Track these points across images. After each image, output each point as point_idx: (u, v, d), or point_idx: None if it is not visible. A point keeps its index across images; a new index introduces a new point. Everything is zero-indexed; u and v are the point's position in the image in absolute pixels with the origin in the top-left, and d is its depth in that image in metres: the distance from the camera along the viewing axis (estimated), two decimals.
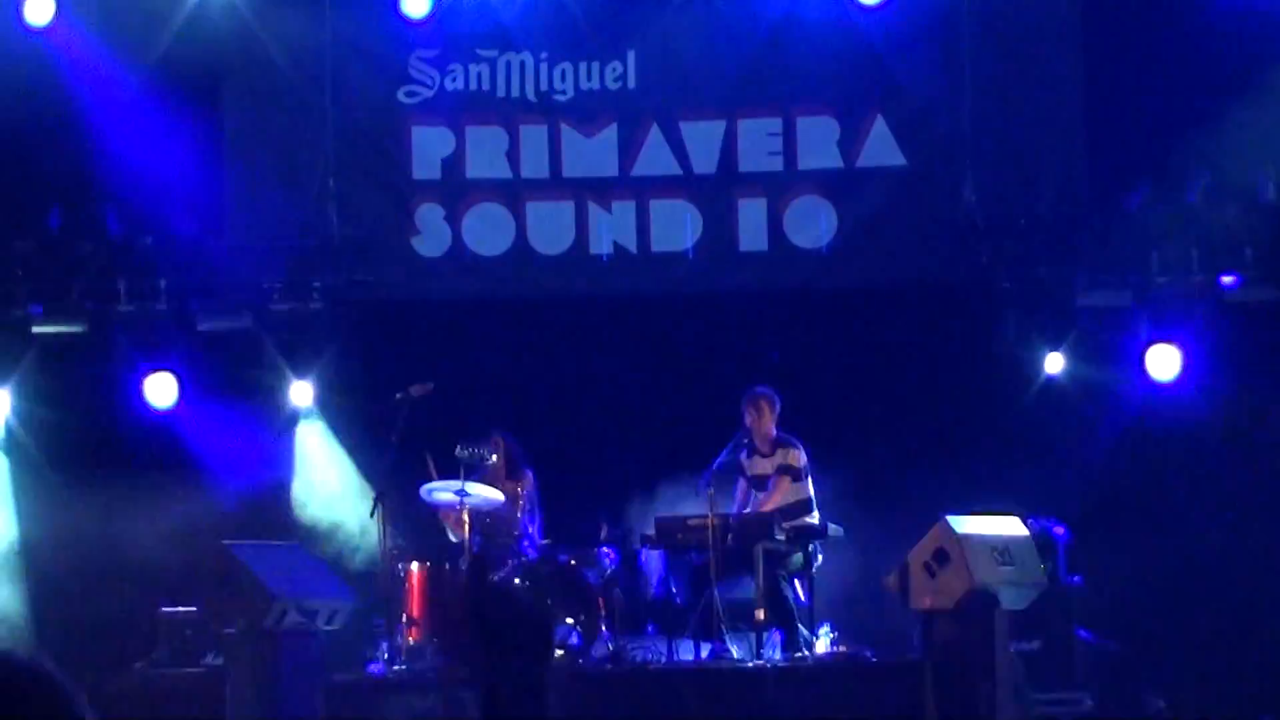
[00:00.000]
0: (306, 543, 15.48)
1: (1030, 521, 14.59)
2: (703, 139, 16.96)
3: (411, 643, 14.54)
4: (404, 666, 14.32)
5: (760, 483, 15.09)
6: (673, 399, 16.64)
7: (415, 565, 14.75)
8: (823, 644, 14.41)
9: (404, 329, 16.94)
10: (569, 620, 14.42)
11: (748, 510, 14.98)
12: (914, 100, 16.82)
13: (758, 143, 16.94)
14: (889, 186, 16.85)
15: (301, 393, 16.78)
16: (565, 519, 15.46)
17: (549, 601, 14.45)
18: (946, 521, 13.60)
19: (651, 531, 14.71)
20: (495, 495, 14.92)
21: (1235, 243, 16.36)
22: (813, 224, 16.91)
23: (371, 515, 14.61)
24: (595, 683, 13.91)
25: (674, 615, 14.60)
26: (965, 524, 13.58)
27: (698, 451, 15.05)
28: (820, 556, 14.81)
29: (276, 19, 16.66)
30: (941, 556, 13.47)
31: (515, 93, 16.98)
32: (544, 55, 16.98)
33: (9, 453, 16.87)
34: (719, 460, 14.67)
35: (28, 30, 16.39)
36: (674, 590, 14.68)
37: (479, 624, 7.57)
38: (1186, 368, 16.36)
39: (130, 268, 16.75)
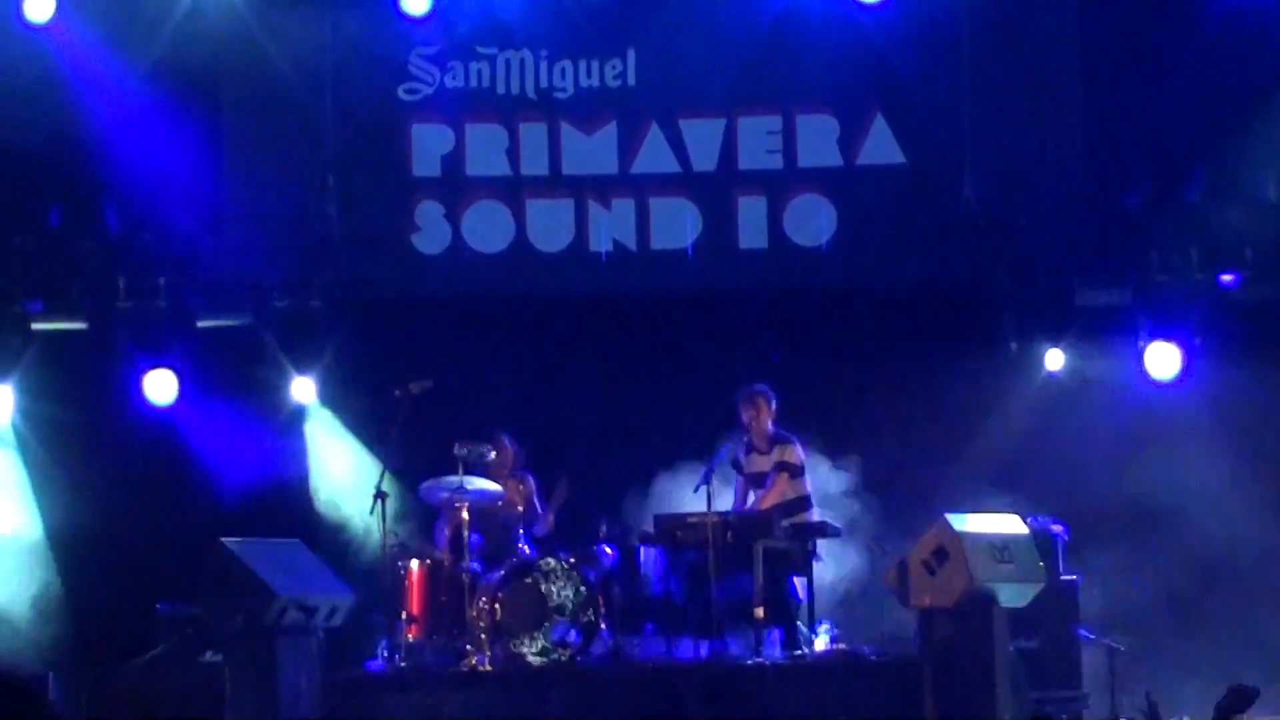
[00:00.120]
0: (326, 534, 15.41)
1: (1029, 519, 14.60)
2: (703, 137, 16.96)
3: (411, 640, 14.54)
4: (403, 664, 14.32)
5: (758, 480, 15.10)
6: (672, 397, 16.64)
7: (415, 563, 14.76)
8: (822, 642, 14.41)
9: (403, 326, 16.93)
10: (568, 618, 14.42)
11: (746, 508, 14.99)
12: (914, 99, 16.82)
13: (758, 141, 16.95)
14: (889, 185, 16.85)
15: (303, 389, 16.78)
16: (564, 517, 15.46)
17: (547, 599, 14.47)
18: (946, 519, 13.60)
19: (650, 529, 14.72)
20: (494, 489, 14.94)
21: (1235, 241, 16.36)
22: (812, 222, 16.91)
23: (371, 512, 14.61)
24: (594, 680, 13.92)
25: (673, 613, 14.60)
26: (965, 522, 13.58)
27: (696, 449, 15.07)
28: (819, 554, 14.80)
29: (276, 16, 16.66)
30: (941, 554, 13.47)
31: (515, 90, 16.98)
32: (544, 53, 16.98)
33: (20, 449, 16.86)
34: (718, 458, 14.69)
35: (28, 27, 16.39)
36: (673, 588, 14.68)
37: None
38: (1186, 366, 16.36)
39: (130, 265, 16.74)
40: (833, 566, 15.11)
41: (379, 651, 14.41)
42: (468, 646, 14.36)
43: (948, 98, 16.73)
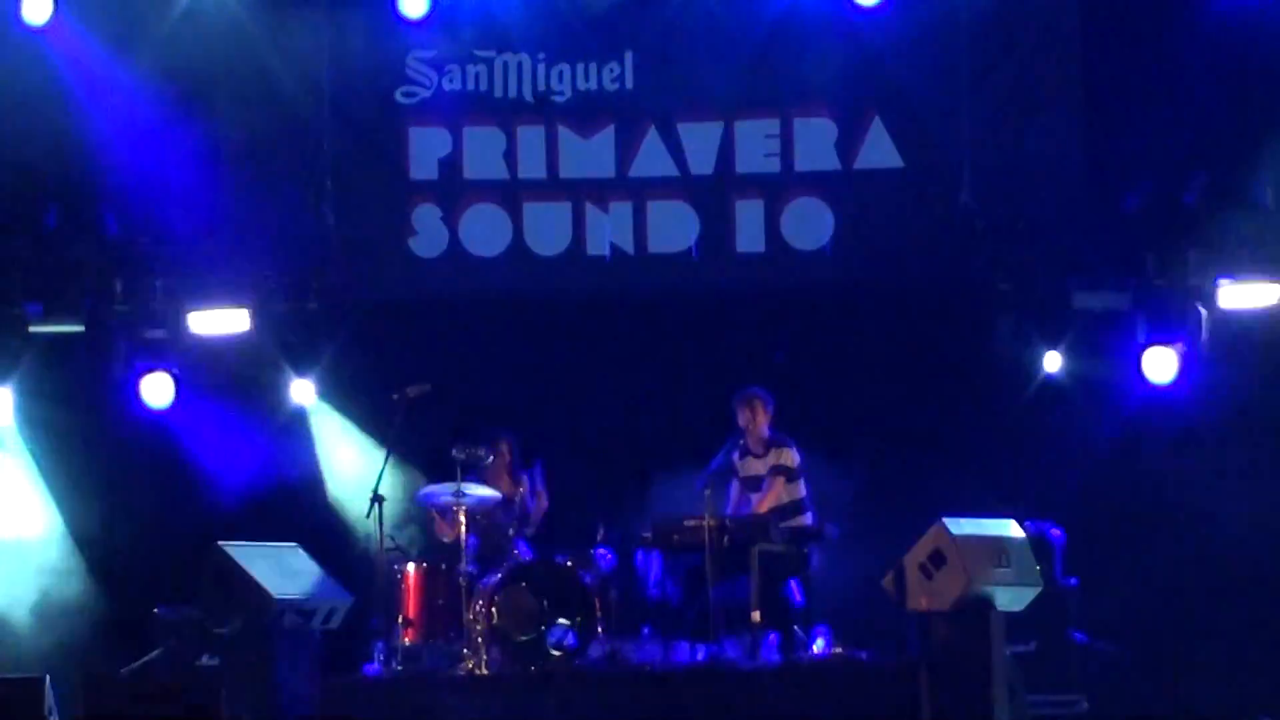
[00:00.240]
0: (323, 537, 15.38)
1: (1027, 524, 14.61)
2: (700, 140, 16.97)
3: (408, 643, 14.54)
4: (400, 667, 14.32)
5: (753, 483, 15.11)
6: (669, 400, 16.65)
7: (411, 566, 14.76)
8: (819, 645, 14.41)
9: (401, 330, 16.94)
10: (565, 621, 14.43)
11: (742, 511, 14.99)
12: (911, 102, 16.81)
13: (755, 144, 16.96)
14: (886, 188, 16.86)
15: (303, 390, 16.79)
16: (561, 520, 15.47)
17: (544, 603, 14.48)
18: (943, 523, 13.61)
19: (648, 533, 14.72)
20: (491, 494, 14.96)
21: (1233, 246, 16.37)
22: (810, 225, 16.92)
23: (368, 516, 14.62)
24: (592, 684, 13.91)
25: (670, 616, 14.61)
26: (962, 526, 13.59)
27: (694, 453, 15.07)
28: (816, 557, 14.81)
29: (274, 19, 16.66)
30: (938, 558, 13.48)
31: (513, 93, 16.99)
32: (542, 56, 16.99)
33: (23, 452, 16.88)
34: (715, 461, 14.69)
35: (26, 29, 16.39)
36: (670, 591, 14.69)
37: None
38: (1183, 370, 16.37)
39: (127, 267, 16.75)
40: (830, 570, 15.11)
41: (376, 655, 14.40)
42: (465, 650, 14.36)
43: (946, 101, 16.74)
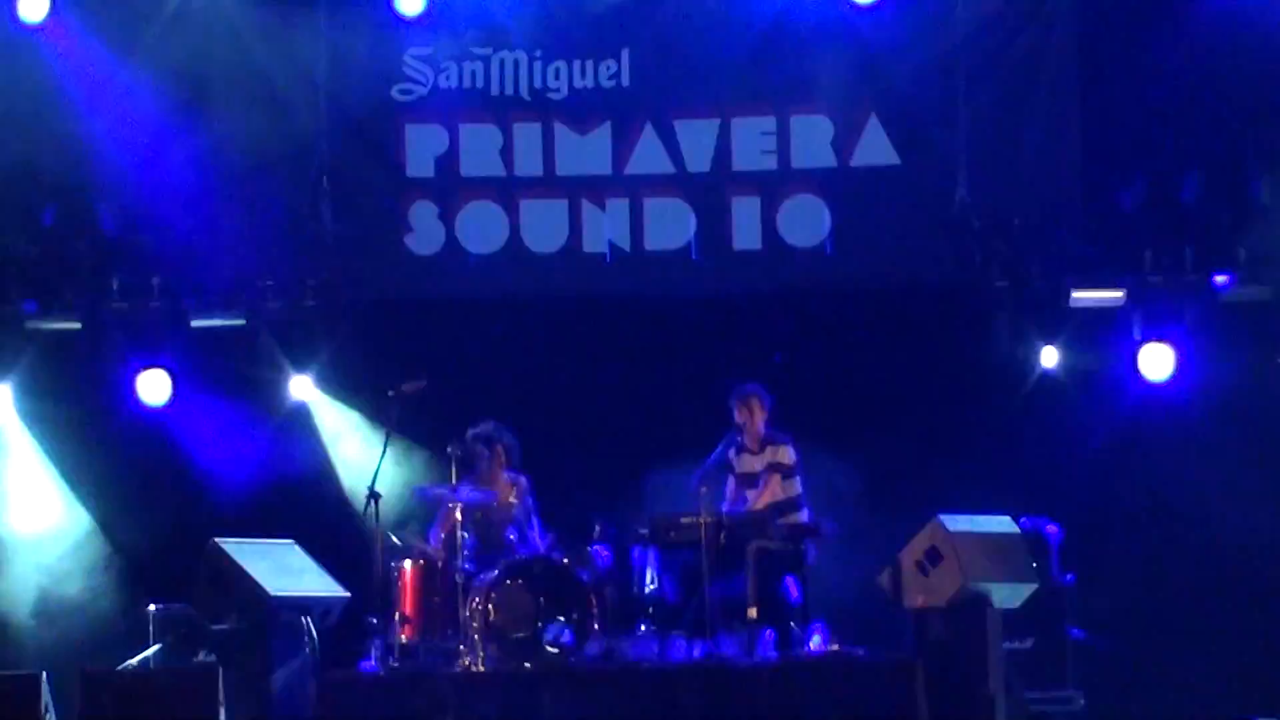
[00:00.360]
0: (319, 534, 15.37)
1: (1023, 520, 14.62)
2: (697, 137, 16.97)
3: (404, 641, 14.53)
4: (397, 664, 14.32)
5: (750, 480, 15.11)
6: (665, 397, 16.65)
7: (408, 563, 14.75)
8: (815, 642, 14.40)
9: (397, 327, 16.94)
10: (562, 618, 14.43)
11: (738, 508, 14.99)
12: (908, 100, 16.82)
13: (752, 141, 16.97)
14: (883, 185, 16.86)
15: (302, 386, 16.79)
16: (558, 517, 15.45)
17: (541, 600, 14.48)
18: (939, 520, 13.62)
19: (644, 530, 14.71)
20: (488, 492, 14.97)
21: (1228, 242, 16.38)
22: (806, 223, 16.93)
23: (364, 512, 14.61)
24: (588, 681, 13.91)
25: (667, 613, 14.60)
26: (958, 523, 13.60)
27: (690, 449, 15.07)
28: (813, 554, 14.81)
29: (270, 16, 16.66)
30: (934, 555, 13.50)
31: (509, 91, 17.00)
32: (538, 53, 17.00)
33: (27, 446, 16.89)
34: (712, 458, 14.70)
35: (21, 27, 16.38)
36: (667, 588, 14.68)
37: None
38: (1180, 367, 16.38)
39: (124, 265, 16.75)
40: (826, 566, 15.11)
41: (372, 652, 14.39)
42: (461, 647, 14.36)
43: (942, 98, 16.75)
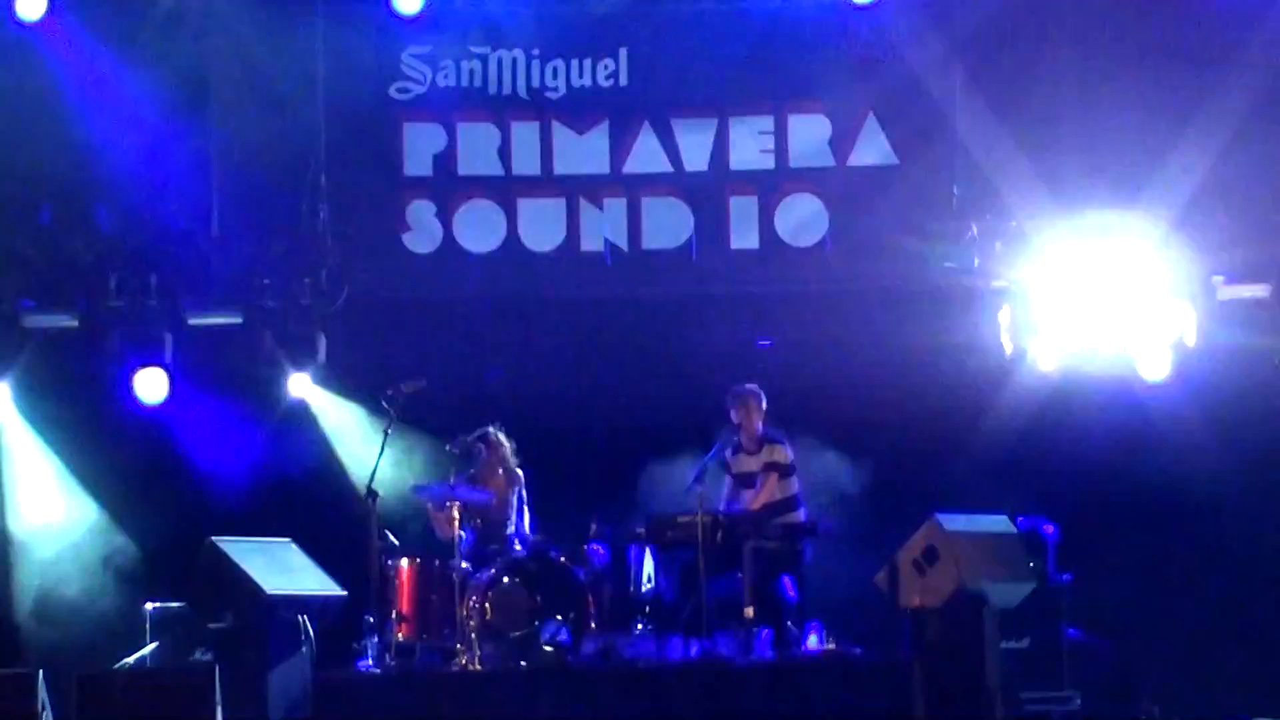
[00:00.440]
0: (316, 532, 15.38)
1: (1020, 520, 14.63)
2: (694, 137, 16.97)
3: (401, 639, 14.54)
4: (393, 663, 14.32)
5: (746, 480, 15.11)
6: (662, 395, 16.64)
7: (404, 562, 14.76)
8: (812, 641, 14.41)
9: (395, 325, 16.94)
10: (559, 617, 14.43)
11: (735, 508, 15.00)
12: (905, 99, 16.82)
13: (749, 140, 16.97)
14: (880, 185, 16.86)
15: (300, 385, 16.80)
16: (555, 516, 15.47)
17: (537, 599, 14.48)
18: (936, 520, 13.62)
19: (641, 529, 14.72)
20: (485, 490, 14.98)
21: (1224, 241, 16.37)
22: (804, 222, 16.93)
23: (362, 511, 14.60)
24: (584, 680, 13.92)
25: (664, 612, 14.62)
26: (955, 522, 13.60)
27: (687, 449, 15.08)
28: (809, 553, 14.82)
29: (268, 15, 16.65)
30: (931, 555, 13.50)
31: (507, 89, 17.00)
32: (536, 52, 17.00)
33: (25, 444, 16.89)
34: (708, 458, 14.72)
35: (19, 25, 16.38)
36: (663, 587, 14.70)
37: None
38: (1178, 367, 16.36)
39: (121, 263, 16.74)
40: (823, 566, 15.12)
41: (369, 651, 14.40)
42: (458, 646, 14.37)
43: (939, 98, 16.74)
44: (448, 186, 17.04)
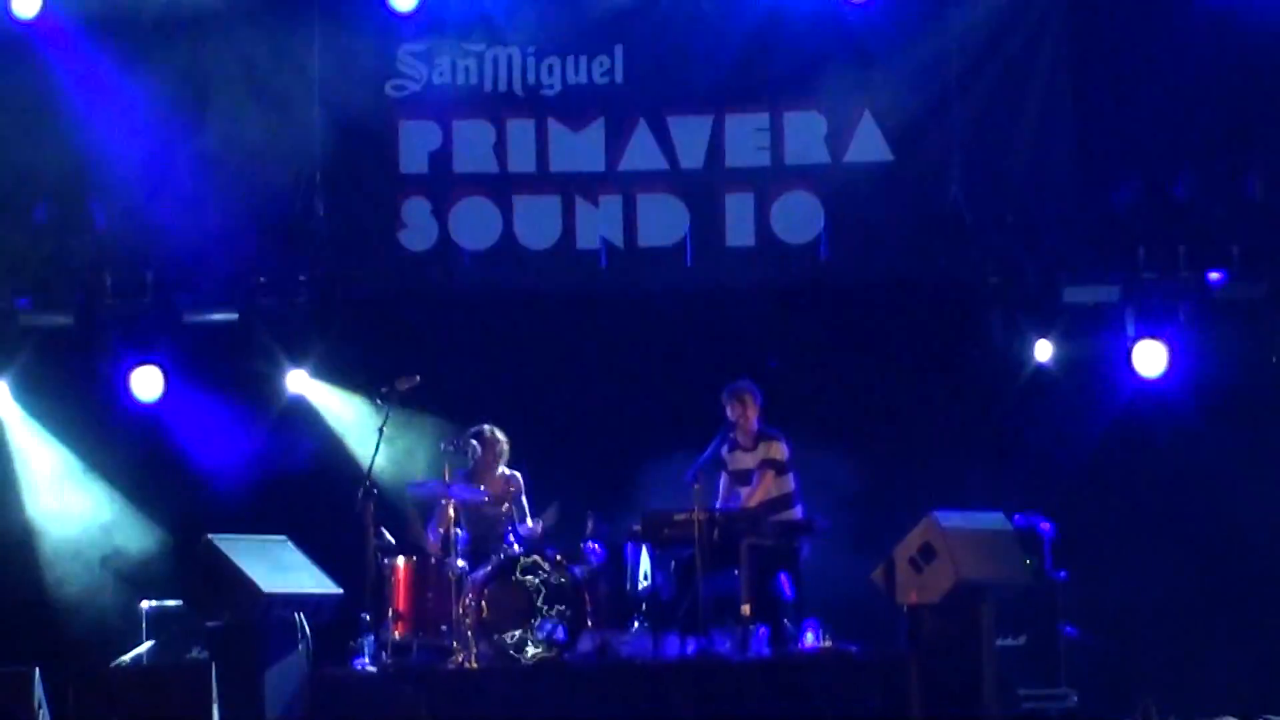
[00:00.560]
0: (314, 531, 15.36)
1: (1017, 517, 14.62)
2: (690, 134, 16.97)
3: (397, 637, 14.53)
4: (390, 661, 14.31)
5: (742, 477, 15.10)
6: (659, 393, 16.65)
7: (401, 560, 14.74)
8: (809, 639, 14.41)
9: (390, 323, 16.94)
10: (555, 615, 14.42)
11: (731, 505, 14.99)
12: (901, 96, 16.82)
13: (745, 138, 16.97)
14: (876, 182, 16.86)
15: (297, 381, 16.78)
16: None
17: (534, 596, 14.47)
18: (933, 517, 13.62)
19: (638, 526, 14.71)
20: (481, 489, 14.97)
21: (1222, 239, 16.39)
22: (800, 219, 16.93)
23: (357, 510, 14.59)
24: (581, 678, 13.91)
25: (660, 610, 14.61)
26: (952, 519, 13.59)
27: (683, 446, 15.07)
28: (806, 551, 14.81)
29: (264, 11, 16.65)
30: (928, 551, 13.49)
31: (503, 87, 16.99)
32: (531, 50, 17.00)
33: (23, 442, 16.88)
34: (705, 455, 14.69)
35: (14, 22, 16.37)
36: (660, 585, 14.69)
37: None
38: (1173, 364, 16.38)
39: (116, 261, 16.73)
40: (820, 563, 15.11)
41: (365, 649, 14.39)
42: (454, 644, 14.36)
43: (935, 95, 16.75)
44: (443, 184, 17.05)
